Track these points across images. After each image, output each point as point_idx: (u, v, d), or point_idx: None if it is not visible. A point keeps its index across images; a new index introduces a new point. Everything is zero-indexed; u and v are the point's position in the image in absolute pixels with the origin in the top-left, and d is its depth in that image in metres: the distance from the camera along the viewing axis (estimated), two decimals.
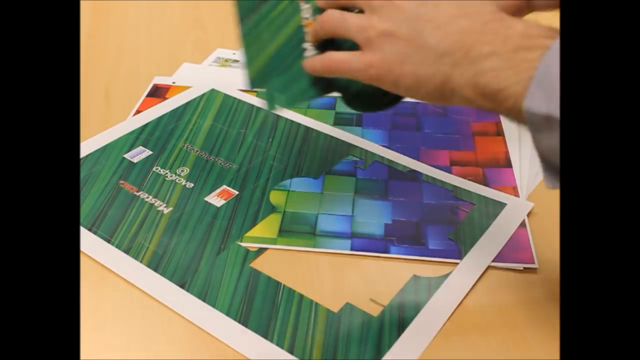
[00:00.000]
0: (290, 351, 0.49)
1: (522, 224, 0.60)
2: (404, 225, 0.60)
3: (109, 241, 0.58)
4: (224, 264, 0.56)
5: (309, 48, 0.56)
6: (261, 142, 0.71)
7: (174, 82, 0.82)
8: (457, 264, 0.56)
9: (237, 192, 0.64)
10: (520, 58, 0.40)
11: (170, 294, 0.53)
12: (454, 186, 0.65)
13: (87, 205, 0.62)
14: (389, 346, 0.49)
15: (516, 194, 0.64)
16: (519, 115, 0.41)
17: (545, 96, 0.38)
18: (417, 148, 0.70)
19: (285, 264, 0.57)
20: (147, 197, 0.63)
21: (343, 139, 0.71)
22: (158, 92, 0.80)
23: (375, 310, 0.52)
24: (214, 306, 0.52)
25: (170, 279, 0.55)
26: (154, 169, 0.67)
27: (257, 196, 0.63)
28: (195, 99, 0.78)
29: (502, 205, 0.62)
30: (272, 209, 0.62)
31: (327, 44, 0.53)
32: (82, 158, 0.68)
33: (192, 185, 0.65)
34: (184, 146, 0.70)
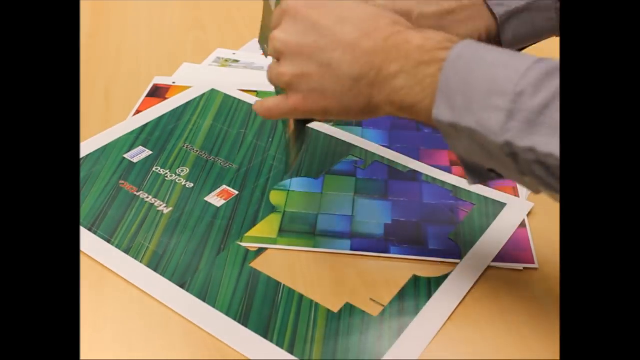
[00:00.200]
0: (290, 351, 0.49)
1: (522, 224, 0.60)
2: (404, 225, 0.60)
3: (109, 241, 0.58)
4: (224, 264, 0.56)
5: None
6: (261, 142, 0.71)
7: (174, 82, 0.82)
8: (457, 264, 0.56)
9: (237, 192, 0.64)
10: (422, 74, 0.43)
11: (170, 294, 0.53)
12: (454, 186, 0.65)
13: (87, 205, 0.62)
14: (389, 346, 0.49)
15: (516, 194, 0.64)
16: (434, 125, 0.44)
17: (448, 106, 0.41)
18: (417, 148, 0.70)
19: (285, 264, 0.57)
20: (147, 197, 0.63)
21: (343, 139, 0.71)
22: (158, 92, 0.80)
23: (375, 310, 0.52)
24: (213, 306, 0.52)
25: (170, 279, 0.55)
26: (154, 169, 0.67)
27: (257, 196, 0.63)
28: (195, 99, 0.78)
29: (502, 205, 0.62)
30: (272, 209, 0.62)
31: None
32: (82, 158, 0.68)
33: (192, 185, 0.65)
34: (184, 146, 0.70)
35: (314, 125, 0.73)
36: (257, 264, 0.56)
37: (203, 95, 0.79)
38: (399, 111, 0.45)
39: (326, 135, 0.72)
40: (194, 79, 0.83)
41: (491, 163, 0.42)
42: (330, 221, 0.61)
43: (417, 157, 0.69)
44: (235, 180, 0.65)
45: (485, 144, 0.40)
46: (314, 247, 0.58)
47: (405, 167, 0.67)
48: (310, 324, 0.51)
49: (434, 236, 0.59)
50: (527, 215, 0.61)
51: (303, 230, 0.60)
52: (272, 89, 0.80)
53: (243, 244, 0.58)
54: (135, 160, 0.68)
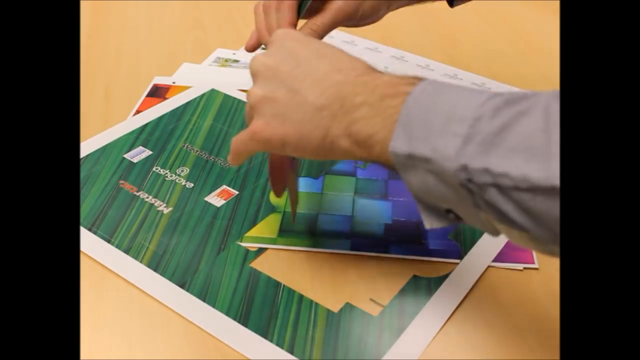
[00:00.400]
0: (290, 351, 0.49)
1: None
2: (404, 225, 0.60)
3: (109, 241, 0.58)
4: (224, 264, 0.56)
5: None
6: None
7: (174, 82, 0.82)
8: (457, 264, 0.56)
9: (237, 192, 0.64)
10: (385, 105, 0.42)
11: (170, 294, 0.53)
12: None
13: (87, 205, 0.62)
14: (389, 346, 0.49)
15: None
16: (387, 161, 0.43)
17: (407, 137, 0.41)
18: None
19: (285, 264, 0.57)
20: (147, 197, 0.63)
21: None
22: (158, 92, 0.80)
23: (375, 310, 0.52)
24: (213, 306, 0.52)
25: (170, 279, 0.55)
26: (154, 169, 0.67)
27: (257, 196, 0.63)
28: (195, 99, 0.78)
29: None
30: (272, 209, 0.62)
31: None
32: (82, 158, 0.68)
33: (192, 185, 0.65)
34: (184, 146, 0.70)
35: None
36: (257, 264, 0.56)
37: (203, 95, 0.79)
38: (354, 145, 0.44)
39: None
40: (194, 79, 0.83)
41: (447, 199, 0.42)
42: (330, 221, 0.61)
43: None
44: (235, 180, 0.65)
45: (440, 174, 0.40)
46: (314, 247, 0.58)
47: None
48: (310, 324, 0.51)
49: (434, 236, 0.59)
50: None
51: (303, 230, 0.60)
52: None
53: (243, 244, 0.58)
54: (135, 160, 0.68)
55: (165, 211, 0.61)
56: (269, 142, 0.47)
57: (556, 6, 1.01)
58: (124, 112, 0.76)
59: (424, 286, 0.54)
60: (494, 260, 0.57)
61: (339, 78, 0.45)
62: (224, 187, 0.64)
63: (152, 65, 0.86)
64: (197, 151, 0.69)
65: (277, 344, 0.49)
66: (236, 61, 0.87)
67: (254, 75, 0.49)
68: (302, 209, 0.62)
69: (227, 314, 0.52)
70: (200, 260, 0.56)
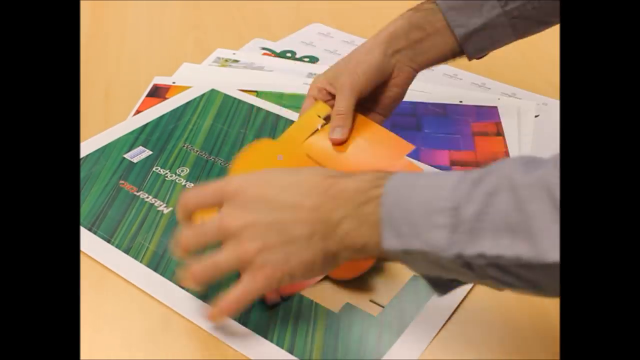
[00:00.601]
0: (290, 351, 0.49)
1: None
2: None
3: (109, 241, 0.58)
4: None
5: None
6: None
7: (174, 82, 0.82)
8: None
9: None
10: (364, 213, 0.45)
11: (170, 294, 0.53)
12: None
13: (87, 205, 0.62)
14: (389, 346, 0.49)
15: None
16: (389, 258, 0.46)
17: (395, 235, 0.43)
18: (418, 148, 0.70)
19: None
20: (147, 197, 0.63)
21: None
22: (158, 92, 0.80)
23: (375, 310, 0.52)
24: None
25: (170, 279, 0.54)
26: (154, 169, 0.67)
27: None
28: (195, 99, 0.78)
29: None
30: None
31: None
32: (82, 158, 0.68)
33: (192, 185, 0.65)
34: (184, 146, 0.70)
35: None
36: None
37: (203, 95, 0.79)
38: (354, 253, 0.46)
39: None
40: (194, 79, 0.83)
41: (450, 275, 0.44)
42: None
43: (417, 157, 0.69)
44: None
45: (439, 261, 0.42)
46: None
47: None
48: (310, 324, 0.51)
49: None
50: None
51: None
52: (271, 89, 0.80)
53: None
54: (135, 160, 0.68)
55: (165, 211, 0.61)
56: (281, 283, 0.48)
57: None
58: (124, 112, 0.76)
59: (424, 286, 0.54)
60: None
61: (310, 203, 0.46)
62: None
63: (152, 65, 0.86)
64: (197, 151, 0.69)
65: (277, 344, 0.49)
66: (236, 61, 0.87)
67: (233, 235, 0.48)
68: None
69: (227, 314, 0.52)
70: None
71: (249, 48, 0.91)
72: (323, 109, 0.63)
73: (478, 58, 0.66)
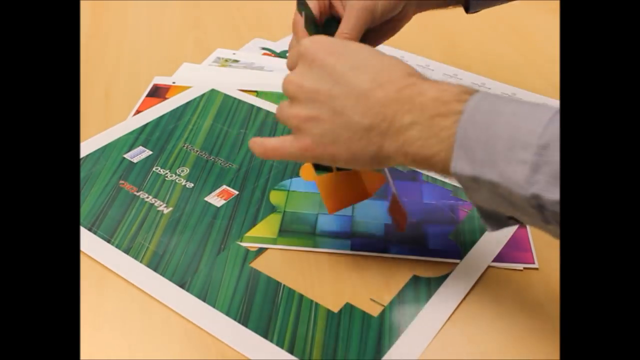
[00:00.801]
0: (290, 351, 0.49)
1: (522, 224, 0.60)
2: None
3: (109, 241, 0.58)
4: (224, 264, 0.56)
5: None
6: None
7: (174, 82, 0.82)
8: (457, 264, 0.56)
9: (237, 192, 0.64)
10: (438, 126, 0.42)
11: (170, 294, 0.53)
12: (454, 186, 0.65)
13: (87, 205, 0.62)
14: (389, 346, 0.49)
15: None
16: (451, 176, 0.43)
17: (469, 159, 0.41)
18: None
19: (285, 264, 0.57)
20: (147, 197, 0.63)
21: None
22: (158, 92, 0.80)
23: (375, 310, 0.52)
24: (213, 306, 0.52)
25: (170, 279, 0.55)
26: (154, 169, 0.67)
27: (257, 196, 0.63)
28: (195, 99, 0.78)
29: None
30: (272, 209, 0.62)
31: None
32: (82, 158, 0.68)
33: (192, 185, 0.65)
34: (184, 146, 0.70)
35: None
36: (257, 264, 0.56)
37: (203, 95, 0.79)
38: (412, 162, 0.44)
39: None
40: (194, 79, 0.83)
41: (513, 212, 0.42)
42: (330, 221, 0.61)
43: None
44: (235, 180, 0.65)
45: (509, 196, 0.40)
46: (314, 247, 0.58)
47: (405, 167, 0.67)
48: (310, 324, 0.51)
49: (434, 236, 0.59)
50: None
51: (303, 230, 0.60)
52: (271, 89, 0.80)
53: (243, 244, 0.58)
54: (135, 160, 0.68)
55: (165, 211, 0.61)
56: (318, 159, 0.47)
57: (556, 6, 1.01)
58: (124, 112, 0.76)
59: (424, 286, 0.54)
60: (494, 260, 0.57)
61: (381, 95, 0.44)
62: (224, 187, 0.64)
63: (152, 65, 0.86)
64: (197, 151, 0.69)
65: (277, 344, 0.49)
66: (236, 61, 0.87)
67: (291, 98, 0.48)
68: (302, 209, 0.62)
69: (227, 314, 0.52)
70: (200, 260, 0.56)
71: (249, 48, 0.91)
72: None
73: (474, 11, 0.63)
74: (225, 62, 0.87)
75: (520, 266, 0.56)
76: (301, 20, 0.56)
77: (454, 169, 0.42)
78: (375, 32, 0.59)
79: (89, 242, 0.58)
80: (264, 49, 0.91)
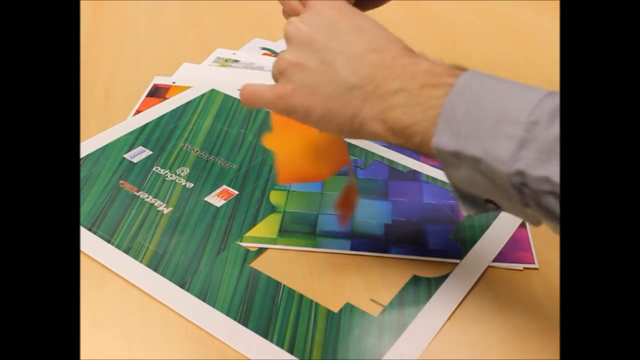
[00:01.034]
0: (290, 351, 0.49)
1: (522, 224, 0.60)
2: (404, 225, 0.60)
3: (109, 241, 0.58)
4: (224, 264, 0.56)
5: None
6: (261, 142, 0.71)
7: (174, 82, 0.82)
8: (457, 264, 0.56)
9: (237, 192, 0.64)
10: (426, 95, 0.41)
11: (170, 294, 0.53)
12: None
13: (87, 205, 0.62)
14: (389, 346, 0.49)
15: None
16: (428, 151, 0.42)
17: (452, 133, 0.39)
18: None
19: (285, 264, 0.57)
20: (147, 197, 0.63)
21: None
22: (158, 92, 0.80)
23: (375, 310, 0.52)
24: (213, 306, 0.52)
25: (170, 279, 0.55)
26: (154, 169, 0.67)
27: (257, 196, 0.63)
28: (195, 99, 0.78)
29: None
30: (272, 209, 0.62)
31: None
32: (82, 158, 0.68)
33: (192, 185, 0.65)
34: (184, 146, 0.70)
35: None
36: (257, 264, 0.56)
37: (203, 95, 0.79)
38: (388, 132, 0.43)
39: None
40: (194, 79, 0.83)
41: (491, 194, 0.41)
42: (330, 221, 0.61)
43: (417, 157, 0.69)
44: (235, 180, 0.65)
45: (490, 174, 0.39)
46: (314, 247, 0.58)
47: (405, 167, 0.67)
48: (310, 324, 0.51)
49: (434, 236, 0.59)
50: None
51: (303, 230, 0.60)
52: None
53: (243, 244, 0.58)
54: (135, 160, 0.68)
55: (165, 211, 0.61)
56: (293, 110, 0.46)
57: (556, 6, 1.01)
58: (124, 112, 0.76)
59: (424, 286, 0.54)
60: (494, 260, 0.57)
61: (375, 58, 0.44)
62: (224, 187, 0.64)
63: (152, 65, 0.86)
64: (197, 151, 0.69)
65: (277, 344, 0.49)
66: (236, 61, 0.87)
67: (287, 40, 0.47)
68: (302, 209, 0.62)
69: (227, 314, 0.52)
70: (200, 260, 0.56)
71: (249, 48, 0.91)
72: None
73: None
74: (225, 62, 0.87)
75: (520, 266, 0.56)
76: None
77: (435, 143, 0.40)
78: None
79: (89, 242, 0.58)
80: (264, 49, 0.91)
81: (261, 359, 0.49)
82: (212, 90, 0.80)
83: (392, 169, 0.67)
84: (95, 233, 0.59)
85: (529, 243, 0.58)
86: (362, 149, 0.70)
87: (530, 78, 0.85)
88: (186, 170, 0.67)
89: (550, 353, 0.49)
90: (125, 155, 0.69)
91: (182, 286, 0.54)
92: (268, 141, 0.58)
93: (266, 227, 0.60)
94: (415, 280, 0.55)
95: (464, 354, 0.49)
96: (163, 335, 0.51)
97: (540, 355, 0.49)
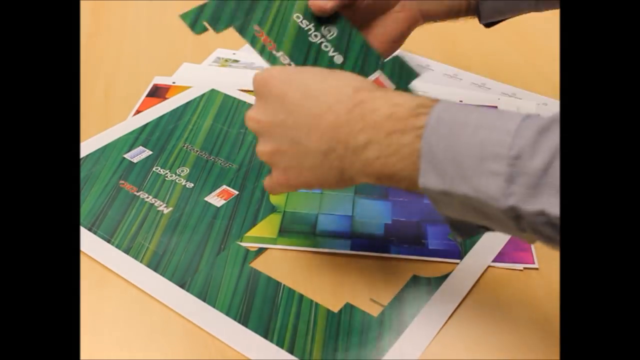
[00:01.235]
0: (290, 351, 0.49)
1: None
2: (404, 225, 0.60)
3: (109, 241, 0.58)
4: (224, 264, 0.56)
5: None
6: None
7: (174, 82, 0.82)
8: (457, 264, 0.56)
9: (237, 192, 0.64)
10: (397, 143, 0.41)
11: (170, 294, 0.53)
12: None
13: (87, 205, 0.62)
14: (389, 346, 0.49)
15: None
16: (420, 191, 0.42)
17: (438, 174, 0.40)
18: None
19: (285, 264, 0.57)
20: (147, 197, 0.63)
21: None
22: (158, 92, 0.80)
23: (375, 310, 0.52)
24: (213, 306, 0.52)
25: (170, 279, 0.55)
26: (154, 169, 0.67)
27: (257, 196, 0.63)
28: (195, 99, 0.78)
29: None
30: (272, 209, 0.62)
31: None
32: (82, 158, 0.68)
33: (192, 185, 0.65)
34: (184, 146, 0.70)
35: None
36: (257, 264, 0.56)
37: (203, 95, 0.79)
38: (378, 181, 0.44)
39: None
40: (194, 79, 0.83)
41: (486, 223, 0.41)
42: (330, 221, 0.61)
43: None
44: (235, 180, 0.65)
45: (484, 208, 0.39)
46: (314, 247, 0.58)
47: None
48: (310, 324, 0.51)
49: (434, 236, 0.59)
50: None
51: (303, 230, 0.60)
52: None
53: (243, 244, 0.58)
54: (135, 160, 0.68)
55: (165, 211, 0.61)
56: (295, 188, 0.49)
57: None
58: (124, 112, 0.76)
59: (424, 286, 0.54)
60: (494, 260, 0.57)
61: (332, 118, 0.44)
62: (224, 187, 0.64)
63: (152, 65, 0.86)
64: (197, 151, 0.69)
65: (277, 344, 0.49)
66: (236, 61, 0.87)
67: (256, 134, 0.49)
68: (302, 209, 0.62)
69: (227, 314, 0.52)
70: (200, 260, 0.56)
71: (249, 48, 0.90)
72: None
73: (488, 25, 0.61)
74: (225, 62, 0.87)
75: (520, 266, 0.56)
76: None
77: (422, 184, 0.41)
78: (379, 32, 0.59)
79: (89, 242, 0.58)
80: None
81: (261, 358, 0.49)
82: (212, 90, 0.80)
83: None
84: (95, 233, 0.59)
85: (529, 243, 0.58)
86: None
87: (530, 78, 0.85)
88: (186, 170, 0.67)
89: (550, 353, 0.49)
90: (125, 155, 0.69)
91: (182, 286, 0.54)
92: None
93: (266, 227, 0.60)
94: (415, 280, 0.55)
95: (464, 354, 0.49)
96: (163, 335, 0.51)
97: (540, 355, 0.49)
